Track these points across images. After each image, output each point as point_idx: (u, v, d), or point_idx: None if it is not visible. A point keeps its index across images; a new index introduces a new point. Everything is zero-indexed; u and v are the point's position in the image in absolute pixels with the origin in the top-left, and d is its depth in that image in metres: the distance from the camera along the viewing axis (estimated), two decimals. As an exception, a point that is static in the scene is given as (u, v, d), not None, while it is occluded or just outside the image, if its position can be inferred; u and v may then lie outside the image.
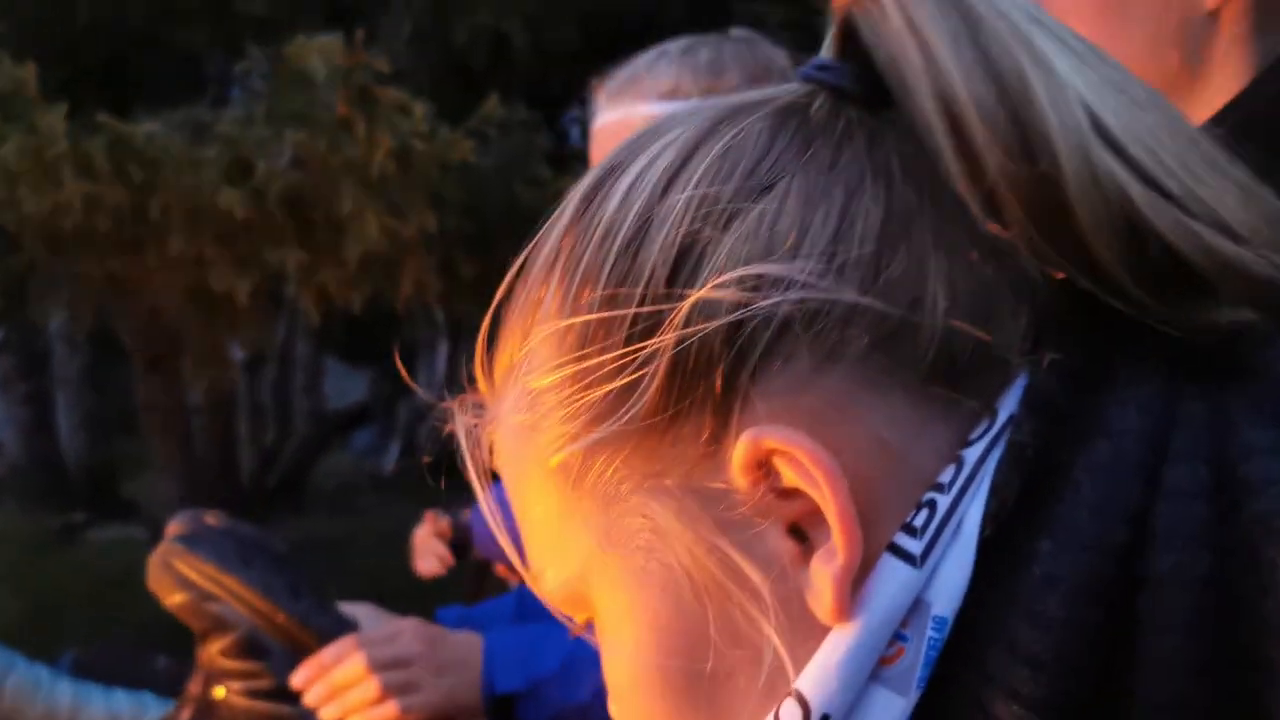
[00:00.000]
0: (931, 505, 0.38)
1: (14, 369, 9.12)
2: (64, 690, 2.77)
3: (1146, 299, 0.38)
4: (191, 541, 1.31)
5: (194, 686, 1.41)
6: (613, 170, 0.43)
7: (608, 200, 0.42)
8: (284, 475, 10.37)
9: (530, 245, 0.45)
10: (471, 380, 0.47)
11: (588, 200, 0.43)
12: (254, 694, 1.30)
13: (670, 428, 0.40)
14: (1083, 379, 0.39)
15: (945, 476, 0.38)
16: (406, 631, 1.29)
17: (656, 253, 0.40)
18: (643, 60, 1.37)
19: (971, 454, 0.38)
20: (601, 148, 1.36)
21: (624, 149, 0.44)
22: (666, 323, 0.39)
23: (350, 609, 1.46)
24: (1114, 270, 0.38)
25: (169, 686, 3.11)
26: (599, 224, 0.41)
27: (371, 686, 1.22)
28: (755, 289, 0.38)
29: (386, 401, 14.92)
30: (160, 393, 6.33)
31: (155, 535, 5.09)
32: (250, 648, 1.31)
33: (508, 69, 5.22)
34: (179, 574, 1.30)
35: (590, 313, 0.40)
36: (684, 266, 0.39)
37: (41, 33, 4.33)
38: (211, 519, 1.38)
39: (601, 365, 0.40)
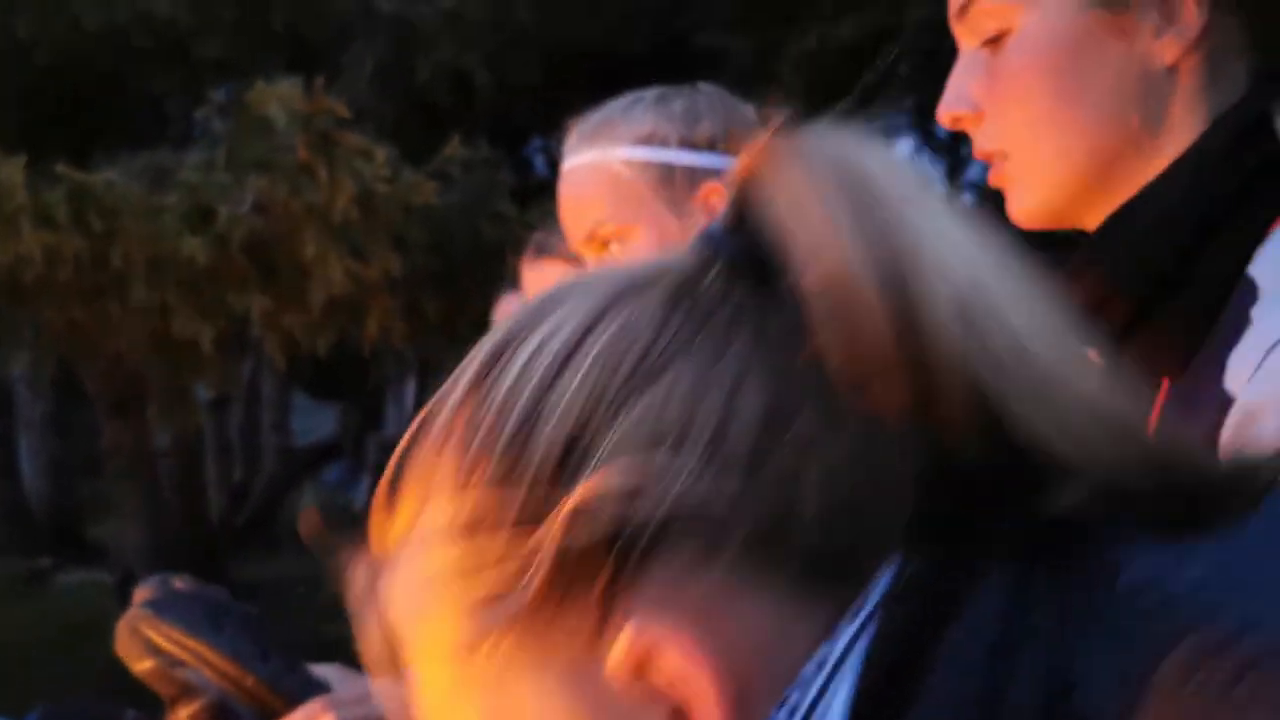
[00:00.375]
0: (799, 695, 0.40)
1: (-25, 414, 9.02)
2: (31, 745, 2.74)
3: (1002, 484, 0.40)
4: (159, 607, 1.30)
5: (163, 755, 1.40)
6: (509, 343, 0.43)
7: (504, 376, 0.42)
8: (253, 514, 10.28)
9: (434, 399, 0.45)
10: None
11: (486, 370, 0.43)
12: (223, 762, 1.29)
13: (557, 615, 0.41)
14: (946, 565, 0.40)
15: (812, 666, 0.40)
16: (380, 691, 1.28)
17: (545, 443, 0.41)
18: (618, 105, 1.38)
19: (839, 644, 0.40)
20: (573, 188, 1.37)
21: (522, 319, 0.44)
22: (552, 516, 0.40)
23: (319, 670, 1.45)
24: (974, 453, 0.40)
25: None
26: (494, 402, 0.42)
27: None
28: (638, 488, 0.39)
29: (356, 436, 14.85)
30: (125, 437, 6.27)
31: (123, 579, 5.04)
32: (220, 713, 1.29)
33: (469, 105, 5.24)
34: (146, 640, 1.28)
35: (482, 493, 0.41)
36: (570, 458, 0.40)
37: (-2, 76, 4.31)
38: (180, 583, 1.37)
39: (491, 547, 0.41)
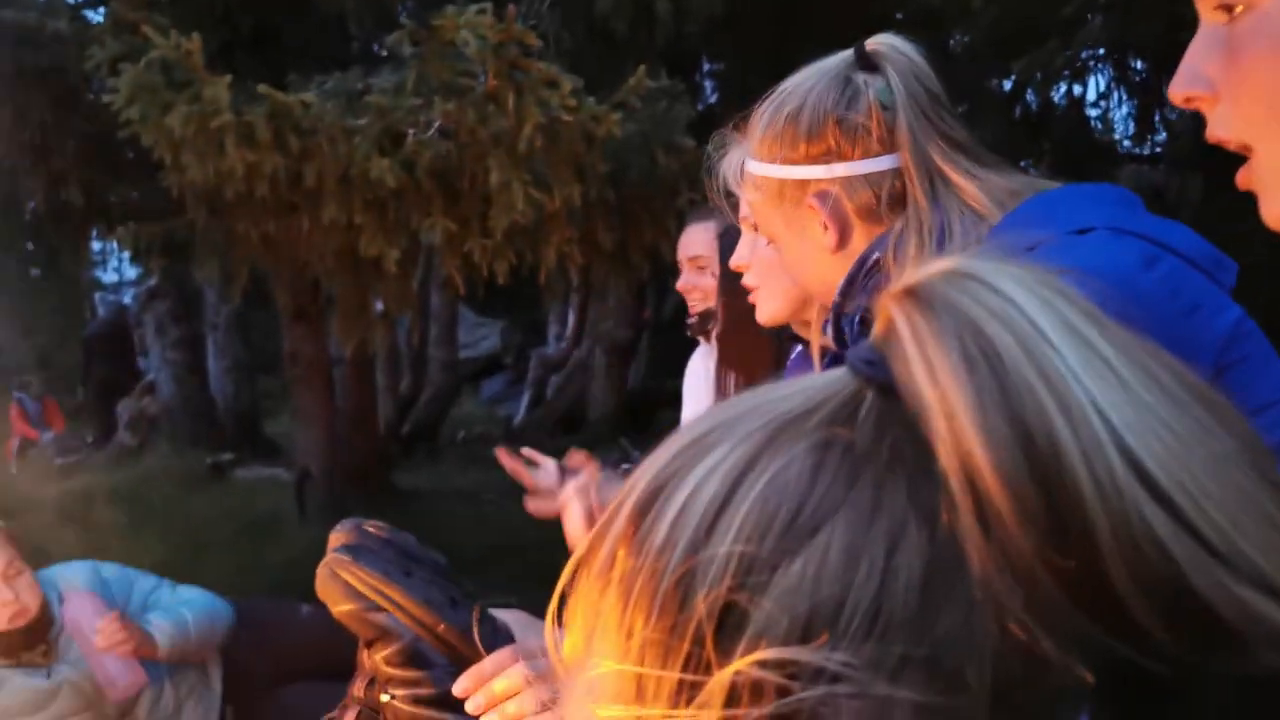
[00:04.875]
0: None
1: (168, 314, 9.54)
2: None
3: (1180, 651, 0.37)
4: (356, 552, 1.34)
5: (357, 689, 1.45)
6: (664, 484, 0.43)
7: (656, 528, 0.42)
8: (418, 424, 10.65)
9: (599, 525, 0.46)
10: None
11: (639, 517, 0.43)
12: (417, 700, 1.33)
13: None
14: None
15: None
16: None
17: (701, 605, 0.40)
18: (758, 112, 1.40)
19: None
20: (744, 190, 1.44)
21: (677, 457, 0.43)
22: (711, 684, 0.39)
23: (501, 615, 1.48)
24: (1148, 626, 0.37)
25: (313, 633, 3.24)
26: (650, 551, 0.42)
27: (529, 698, 1.23)
28: (796, 662, 0.38)
29: (517, 352, 15.21)
30: (305, 343, 6.53)
31: (301, 478, 5.25)
32: (414, 657, 1.33)
33: (650, 35, 5.18)
34: (346, 584, 1.32)
35: (644, 645, 0.41)
36: (727, 623, 0.39)
37: (197, 1, 4.45)
38: (372, 528, 1.41)
39: (656, 701, 0.41)
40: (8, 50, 4.10)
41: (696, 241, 2.89)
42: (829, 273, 1.38)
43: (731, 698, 0.38)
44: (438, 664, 1.32)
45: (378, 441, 8.50)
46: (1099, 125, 9.59)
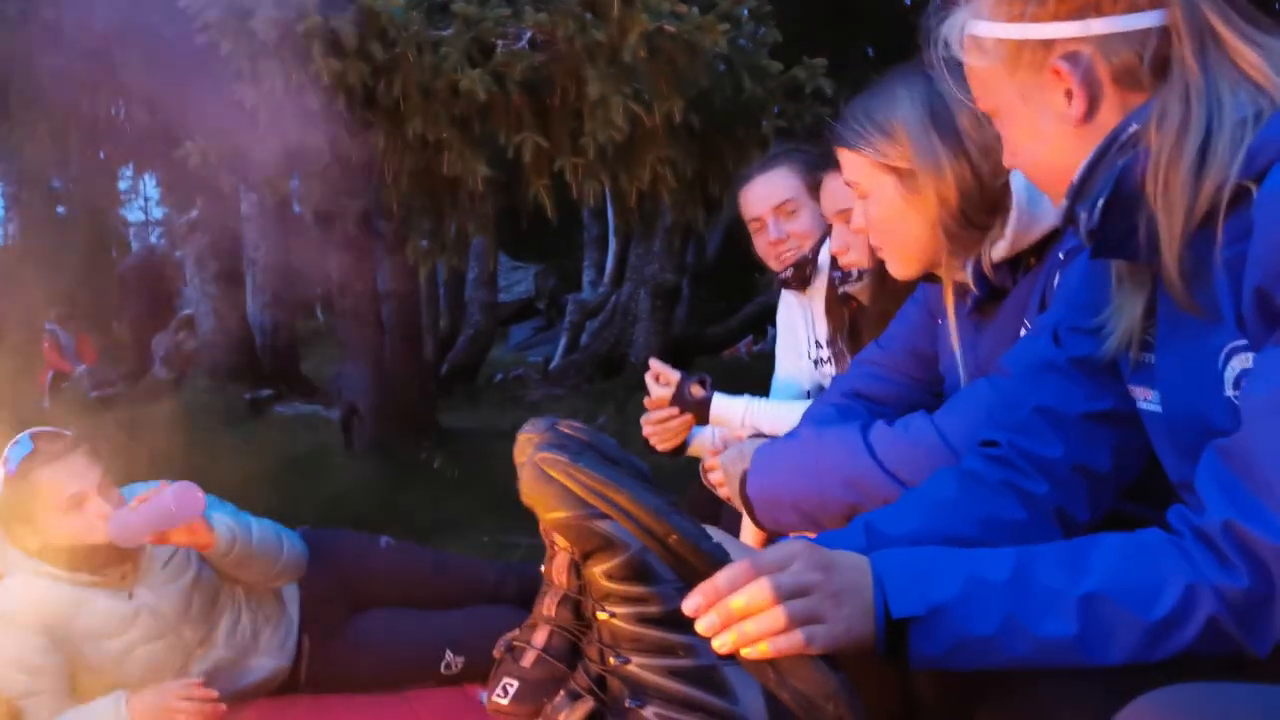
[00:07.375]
0: None
1: (207, 248, 9.39)
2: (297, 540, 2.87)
3: None
4: (571, 451, 1.16)
5: (547, 607, 1.28)
6: None
7: None
8: (456, 365, 10.52)
9: None
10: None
11: None
12: (643, 620, 1.17)
13: None
14: None
15: None
16: (801, 555, 1.13)
17: None
18: None
19: None
20: (967, 56, 1.28)
21: None
22: None
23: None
24: None
25: (391, 564, 3.14)
26: None
27: (778, 616, 1.08)
28: None
29: (551, 297, 15.04)
30: (355, 277, 6.36)
31: (346, 412, 5.08)
32: (640, 571, 1.17)
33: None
34: (562, 488, 1.15)
35: None
36: None
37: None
38: (567, 428, 1.23)
39: None
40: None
41: (780, 188, 2.71)
42: (1067, 152, 1.21)
43: None
44: (665, 579, 1.15)
45: (423, 379, 8.34)
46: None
